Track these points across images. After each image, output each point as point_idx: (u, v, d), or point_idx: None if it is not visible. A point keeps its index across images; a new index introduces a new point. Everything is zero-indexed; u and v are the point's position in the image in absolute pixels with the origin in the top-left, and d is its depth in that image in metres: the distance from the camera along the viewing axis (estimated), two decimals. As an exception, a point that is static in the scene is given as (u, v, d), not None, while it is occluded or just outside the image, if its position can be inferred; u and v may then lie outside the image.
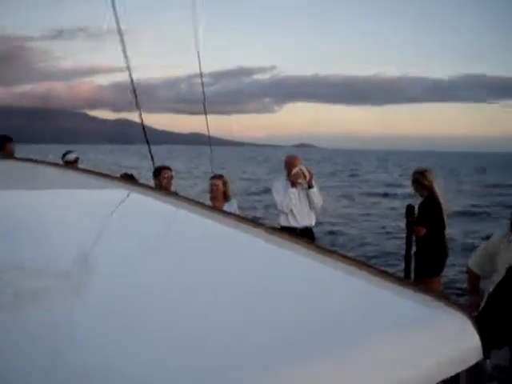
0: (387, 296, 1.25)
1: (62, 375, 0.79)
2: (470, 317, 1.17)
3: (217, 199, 5.86)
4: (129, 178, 5.91)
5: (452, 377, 1.09)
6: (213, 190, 5.87)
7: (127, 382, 0.78)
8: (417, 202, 5.99)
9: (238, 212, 5.86)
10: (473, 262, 4.20)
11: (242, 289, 1.17)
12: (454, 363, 1.08)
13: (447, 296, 1.38)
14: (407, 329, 1.07)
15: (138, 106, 4.07)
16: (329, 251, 1.46)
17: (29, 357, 0.81)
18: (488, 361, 3.31)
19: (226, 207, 5.78)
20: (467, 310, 1.20)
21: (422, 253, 5.76)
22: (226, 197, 5.93)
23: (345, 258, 1.41)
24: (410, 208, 5.90)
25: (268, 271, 1.32)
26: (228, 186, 6.02)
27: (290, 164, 6.05)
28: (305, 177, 5.88)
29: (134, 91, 4.06)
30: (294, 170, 5.89)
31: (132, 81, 4.02)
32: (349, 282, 1.34)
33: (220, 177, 6.07)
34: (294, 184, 5.90)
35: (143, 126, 4.19)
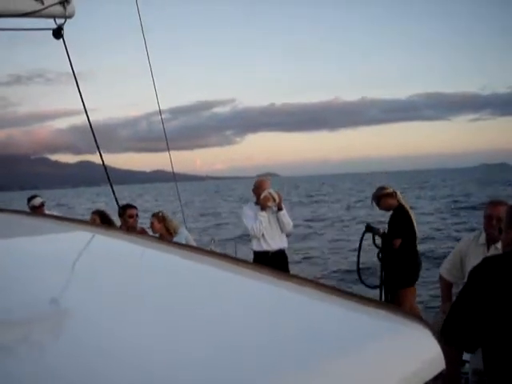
0: (341, 314, 1.25)
1: None
2: (430, 327, 1.17)
3: (162, 237, 5.76)
4: (101, 215, 6.08)
5: None
6: (153, 228, 5.94)
7: None
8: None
9: (190, 240, 6.01)
10: (443, 268, 4.27)
11: (210, 321, 1.16)
12: (417, 376, 1.07)
13: (404, 308, 1.33)
14: (365, 346, 1.05)
15: (97, 147, 3.88)
16: (288, 276, 1.47)
17: None
18: (467, 365, 3.45)
19: (174, 240, 5.71)
20: (424, 320, 1.20)
21: (395, 264, 5.74)
22: (170, 232, 5.90)
23: (295, 278, 1.42)
24: (370, 227, 5.91)
25: (234, 302, 1.33)
26: (168, 221, 5.97)
27: (258, 188, 6.10)
28: (274, 200, 5.93)
29: (93, 132, 3.87)
30: (263, 194, 5.94)
31: (89, 121, 3.85)
32: (308, 304, 1.33)
33: (156, 214, 6.03)
34: (263, 208, 5.93)
35: (105, 167, 3.98)
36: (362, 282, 6.04)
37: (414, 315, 1.23)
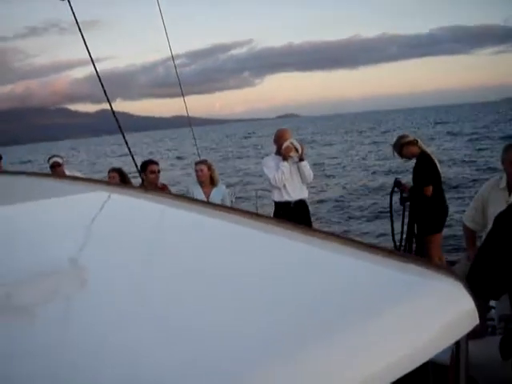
0: (375, 270, 1.23)
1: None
2: (463, 281, 1.15)
3: (204, 184, 5.93)
4: (120, 172, 6.09)
5: (452, 344, 1.09)
6: (198, 176, 5.94)
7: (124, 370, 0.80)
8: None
9: (227, 195, 6.05)
10: (466, 216, 4.23)
11: (235, 278, 1.16)
12: (452, 331, 1.06)
13: (437, 262, 1.38)
14: (400, 302, 1.04)
15: (107, 97, 3.96)
16: (313, 230, 1.45)
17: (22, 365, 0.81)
18: (493, 311, 3.42)
19: (214, 192, 5.90)
20: (458, 274, 1.18)
21: (422, 210, 5.71)
22: (212, 181, 5.99)
23: (329, 235, 1.40)
24: (398, 183, 5.90)
25: (260, 258, 1.32)
26: (214, 170, 6.05)
27: (280, 138, 6.06)
28: (296, 150, 5.89)
29: (101, 83, 3.92)
30: (285, 144, 5.90)
31: (97, 72, 3.87)
32: (335, 259, 1.32)
33: (204, 161, 6.09)
34: (285, 158, 5.89)
35: (115, 116, 4.07)
36: (395, 246, 5.85)
37: (445, 268, 1.19)
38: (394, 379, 0.91)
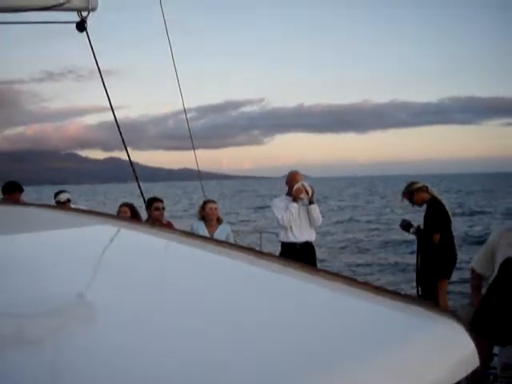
0: (372, 309, 1.23)
1: None
2: (463, 323, 1.14)
3: (211, 223, 6.06)
4: (131, 207, 6.30)
5: None
6: (208, 214, 6.03)
7: None
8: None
9: (231, 233, 6.19)
10: (475, 261, 4.20)
11: (236, 315, 1.15)
12: (451, 373, 1.05)
13: (437, 304, 1.31)
14: (398, 343, 1.04)
15: (124, 145, 4.06)
16: (315, 270, 1.45)
17: None
18: (496, 359, 3.27)
19: (219, 230, 6.03)
20: (458, 316, 1.17)
21: (431, 255, 5.71)
22: (218, 220, 6.15)
23: (324, 272, 1.40)
24: (406, 222, 6.03)
25: (261, 296, 1.31)
26: (219, 210, 6.24)
27: (291, 180, 6.16)
28: (307, 192, 5.96)
29: (119, 130, 4.04)
30: (296, 186, 5.99)
31: (116, 120, 3.95)
32: (331, 297, 1.32)
33: (213, 201, 6.26)
34: (295, 199, 5.97)
35: (132, 164, 4.20)
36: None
37: (446, 310, 1.20)
38: None
